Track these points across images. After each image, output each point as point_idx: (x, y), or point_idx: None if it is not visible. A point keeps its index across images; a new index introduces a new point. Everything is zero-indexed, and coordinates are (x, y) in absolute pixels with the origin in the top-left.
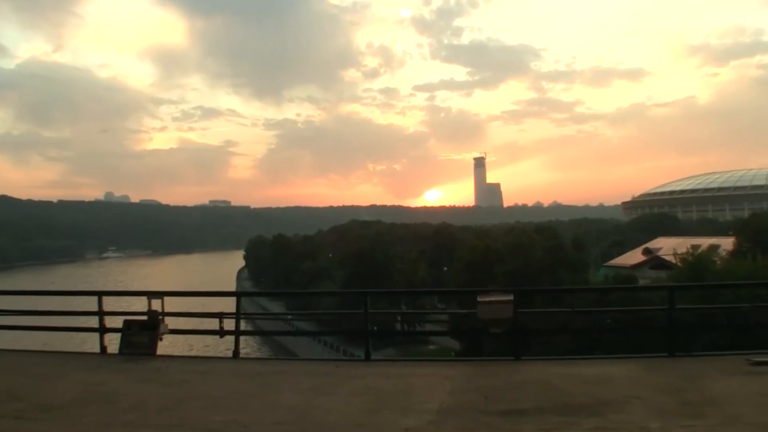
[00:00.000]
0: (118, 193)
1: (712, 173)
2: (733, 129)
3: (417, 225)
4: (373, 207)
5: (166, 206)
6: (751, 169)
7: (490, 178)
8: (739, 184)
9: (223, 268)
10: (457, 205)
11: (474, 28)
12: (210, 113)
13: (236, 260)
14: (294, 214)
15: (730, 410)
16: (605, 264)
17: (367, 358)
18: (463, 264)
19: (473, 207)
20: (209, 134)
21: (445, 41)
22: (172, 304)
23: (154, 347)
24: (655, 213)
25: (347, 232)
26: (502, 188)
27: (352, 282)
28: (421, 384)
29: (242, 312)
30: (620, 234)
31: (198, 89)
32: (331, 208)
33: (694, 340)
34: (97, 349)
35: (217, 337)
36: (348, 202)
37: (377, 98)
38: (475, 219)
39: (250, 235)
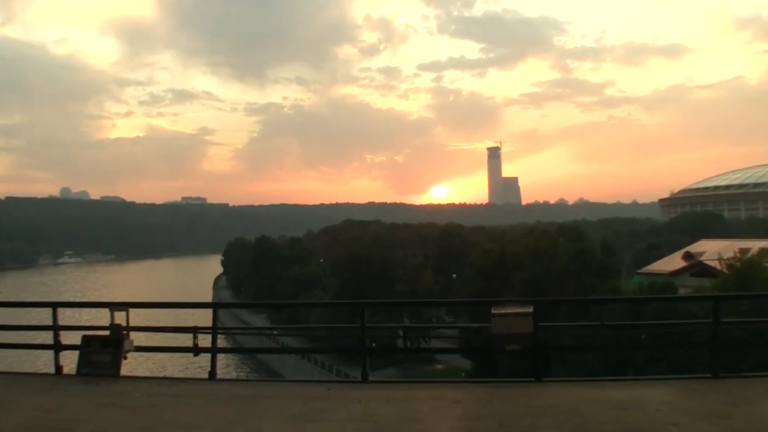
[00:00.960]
0: (76, 188)
1: (763, 165)
2: None
3: (422, 225)
4: (371, 204)
5: (132, 204)
6: None
7: (507, 171)
8: None
9: (198, 276)
10: (467, 202)
11: None
12: (182, 96)
13: (213, 266)
14: (280, 213)
15: None
16: (639, 271)
17: (365, 380)
18: (475, 270)
19: (487, 205)
20: (182, 121)
21: (455, 13)
22: (138, 317)
23: (118, 367)
24: (698, 212)
25: (341, 233)
26: (520, 183)
27: (347, 291)
28: (427, 409)
29: (220, 326)
30: (657, 236)
31: (169, 68)
32: (322, 205)
33: (742, 359)
34: (51, 369)
35: (191, 355)
36: (342, 199)
37: (376, 79)
38: (489, 218)
39: (229, 237)
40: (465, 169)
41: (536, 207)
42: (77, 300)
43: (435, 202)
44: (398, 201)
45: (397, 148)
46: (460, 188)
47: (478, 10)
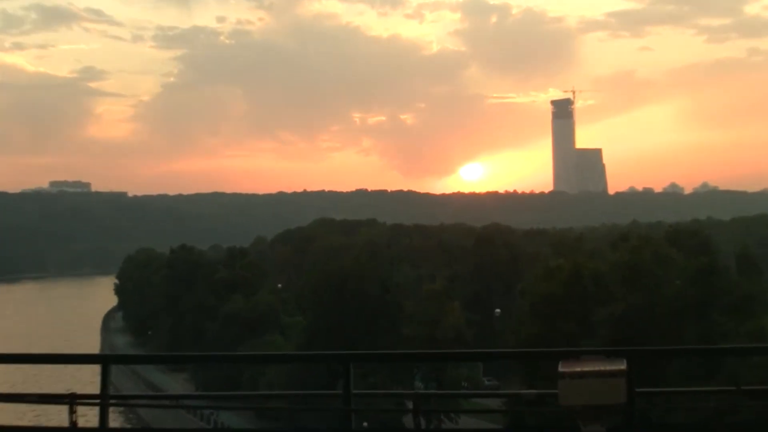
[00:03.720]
0: None
1: None
2: None
3: (445, 228)
4: (360, 193)
5: None
6: None
7: (583, 138)
8: None
9: (78, 310)
10: (520, 190)
11: None
12: (54, 17)
13: (101, 295)
14: (211, 208)
15: None
16: None
17: None
18: (533, 302)
19: (551, 194)
20: (53, 57)
21: None
22: None
23: None
24: None
25: (312, 241)
26: (606, 158)
27: (322, 337)
28: None
29: (113, 392)
30: None
31: None
32: (281, 196)
33: None
34: None
35: None
36: (314, 186)
37: None
38: (555, 216)
39: (128, 248)
40: (516, 135)
41: (632, 197)
42: None
43: (467, 189)
44: (406, 188)
45: (405, 101)
46: (507, 167)
47: None
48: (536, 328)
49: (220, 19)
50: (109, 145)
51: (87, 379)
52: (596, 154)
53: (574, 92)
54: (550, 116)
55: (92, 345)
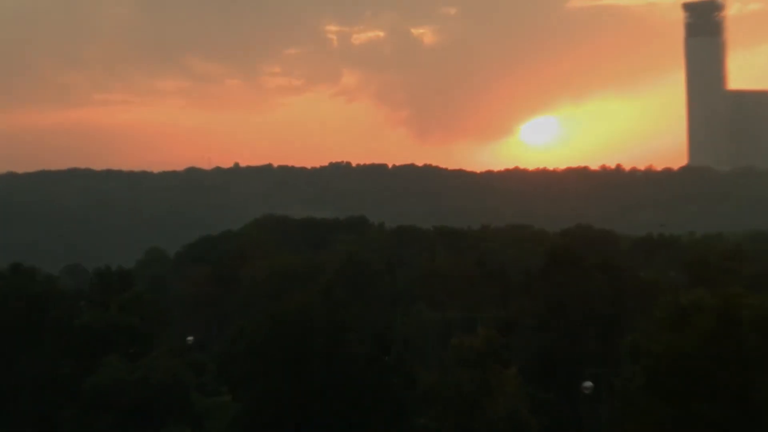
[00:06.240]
0: None
1: None
2: None
3: (493, 234)
4: (339, 169)
5: None
6: None
7: (741, 71)
8: None
9: None
10: (628, 165)
11: None
12: None
13: None
14: (68, 197)
15: None
16: None
17: None
18: (651, 367)
19: (683, 171)
20: None
21: None
22: None
23: None
24: None
25: (247, 258)
26: None
27: (267, 430)
28: None
29: None
30: None
31: None
32: (194, 174)
33: None
34: None
35: None
36: (254, 157)
37: None
38: (692, 211)
39: None
40: (621, 66)
41: None
42: None
43: (532, 163)
44: (421, 161)
45: (421, 3)
46: (605, 123)
47: None
48: (659, 413)
49: None
50: None
51: None
52: (764, 99)
53: None
54: (681, 31)
55: None
